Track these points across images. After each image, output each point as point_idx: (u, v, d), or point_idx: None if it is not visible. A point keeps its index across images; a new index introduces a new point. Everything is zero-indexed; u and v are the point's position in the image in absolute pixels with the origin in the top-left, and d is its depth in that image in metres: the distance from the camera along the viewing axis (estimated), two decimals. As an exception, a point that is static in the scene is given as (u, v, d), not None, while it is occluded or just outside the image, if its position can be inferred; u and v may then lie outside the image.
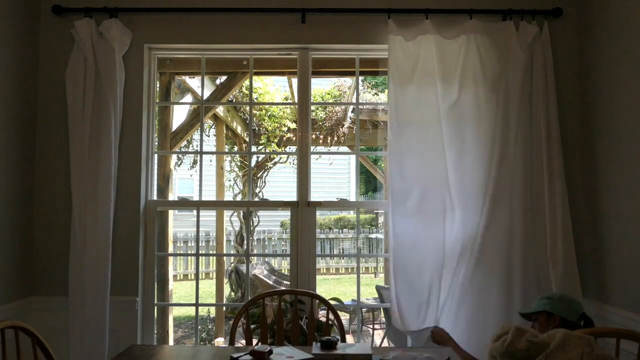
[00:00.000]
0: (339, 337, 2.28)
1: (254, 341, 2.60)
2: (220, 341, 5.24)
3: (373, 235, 11.47)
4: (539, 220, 2.64)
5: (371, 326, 5.58)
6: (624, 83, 2.43)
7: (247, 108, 5.91)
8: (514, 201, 2.64)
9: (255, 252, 10.00)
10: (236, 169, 6.92)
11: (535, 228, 2.64)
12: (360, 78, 5.04)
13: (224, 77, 4.59)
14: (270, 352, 1.81)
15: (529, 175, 2.66)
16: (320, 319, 2.76)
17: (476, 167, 2.66)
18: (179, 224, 10.11)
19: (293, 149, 6.83)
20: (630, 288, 2.37)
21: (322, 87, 7.42)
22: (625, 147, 2.42)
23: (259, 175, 6.79)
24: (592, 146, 2.70)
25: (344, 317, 6.02)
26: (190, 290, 8.22)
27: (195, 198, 2.93)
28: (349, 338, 5.27)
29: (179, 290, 8.22)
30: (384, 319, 5.27)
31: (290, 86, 5.91)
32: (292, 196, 2.97)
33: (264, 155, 6.79)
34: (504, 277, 2.61)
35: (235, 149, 6.84)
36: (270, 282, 5.85)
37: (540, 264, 2.62)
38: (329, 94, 7.00)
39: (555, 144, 2.65)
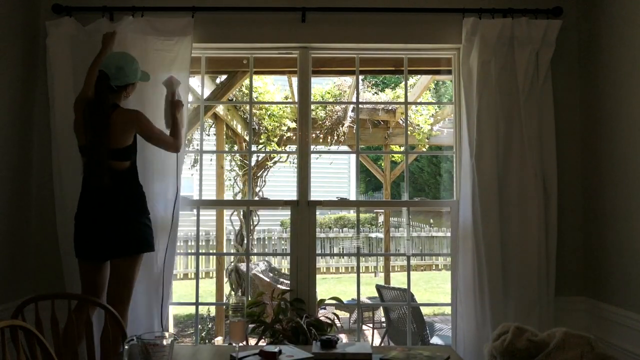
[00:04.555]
0: (338, 336, 2.28)
1: (252, 341, 2.61)
2: (219, 340, 5.25)
3: (373, 235, 11.47)
4: (530, 219, 2.65)
5: (371, 325, 5.58)
6: (624, 82, 2.43)
7: (247, 107, 5.91)
8: (511, 200, 2.66)
9: (255, 251, 10.00)
10: (236, 168, 6.91)
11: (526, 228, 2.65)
12: (361, 77, 5.04)
13: (223, 76, 4.59)
14: (280, 352, 1.80)
15: (525, 174, 2.66)
16: (321, 318, 2.76)
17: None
18: (178, 223, 10.09)
19: (293, 148, 6.83)
20: (630, 288, 2.37)
21: (322, 86, 7.41)
22: (626, 146, 2.42)
23: (259, 175, 6.78)
24: (592, 145, 2.70)
25: (344, 316, 6.03)
26: (190, 290, 8.21)
27: (195, 197, 2.94)
28: (345, 338, 5.27)
29: (179, 290, 8.22)
30: (383, 319, 5.27)
31: (290, 85, 5.91)
32: (292, 195, 2.97)
33: (264, 155, 6.78)
34: (500, 274, 2.62)
35: (235, 148, 6.83)
36: (267, 280, 5.86)
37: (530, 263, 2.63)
38: (328, 93, 6.99)
39: (549, 143, 2.68)
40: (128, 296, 2.35)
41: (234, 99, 6.02)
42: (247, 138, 6.36)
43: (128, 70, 2.37)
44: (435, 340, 4.42)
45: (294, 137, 6.28)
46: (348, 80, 6.48)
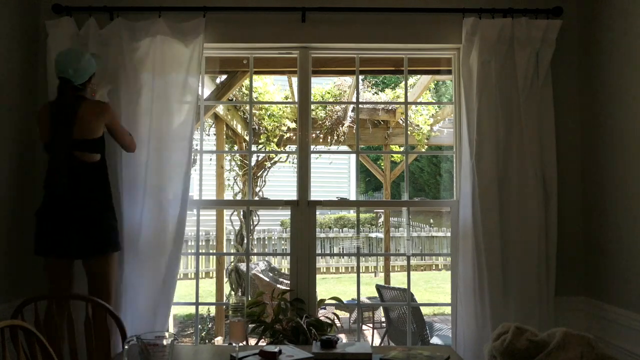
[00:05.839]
0: (338, 336, 2.28)
1: (252, 341, 2.61)
2: (219, 340, 5.25)
3: (373, 235, 11.47)
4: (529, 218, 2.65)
5: (371, 325, 5.58)
6: (624, 81, 2.43)
7: (247, 107, 5.91)
8: (511, 200, 2.66)
9: (255, 251, 10.00)
10: (236, 168, 6.91)
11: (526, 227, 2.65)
12: (361, 77, 5.04)
13: (223, 76, 4.59)
14: (280, 352, 1.80)
15: (525, 174, 2.66)
16: (321, 318, 2.76)
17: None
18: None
19: (293, 148, 6.83)
20: (630, 288, 2.37)
21: (322, 86, 7.41)
22: (626, 146, 2.42)
23: (259, 175, 6.78)
24: (592, 145, 2.70)
25: (344, 316, 6.03)
26: (191, 290, 8.21)
27: (196, 197, 2.93)
28: (345, 338, 5.28)
29: (179, 289, 8.23)
30: (383, 319, 5.27)
31: (290, 85, 5.90)
32: (292, 195, 2.97)
33: (264, 155, 6.78)
34: (500, 274, 2.62)
35: (235, 148, 6.83)
36: (267, 280, 5.87)
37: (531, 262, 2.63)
38: (328, 93, 6.99)
39: (549, 143, 2.68)
40: (108, 295, 2.36)
41: (234, 99, 6.01)
42: (247, 138, 6.36)
43: (84, 65, 2.37)
44: (435, 340, 4.42)
45: (294, 137, 6.28)
46: (348, 80, 6.48)
